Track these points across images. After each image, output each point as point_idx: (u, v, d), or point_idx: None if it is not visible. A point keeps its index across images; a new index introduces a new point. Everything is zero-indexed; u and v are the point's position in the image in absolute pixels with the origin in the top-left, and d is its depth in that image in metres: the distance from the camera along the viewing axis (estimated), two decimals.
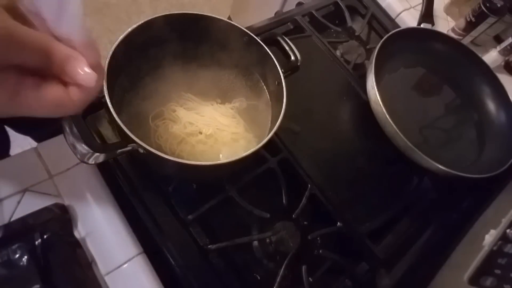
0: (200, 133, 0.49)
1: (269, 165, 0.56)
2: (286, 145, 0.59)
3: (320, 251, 0.54)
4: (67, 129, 0.40)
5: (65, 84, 0.30)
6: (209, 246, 0.48)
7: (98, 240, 0.46)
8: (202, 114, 0.50)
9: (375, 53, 0.65)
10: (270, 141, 0.43)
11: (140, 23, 0.45)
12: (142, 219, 0.47)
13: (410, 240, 0.61)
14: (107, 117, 0.52)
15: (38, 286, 0.39)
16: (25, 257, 0.40)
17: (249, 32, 0.50)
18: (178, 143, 0.48)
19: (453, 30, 0.92)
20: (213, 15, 0.49)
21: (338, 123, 0.69)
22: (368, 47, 0.79)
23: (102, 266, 0.45)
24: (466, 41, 0.90)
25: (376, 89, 0.61)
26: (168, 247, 0.46)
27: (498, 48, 0.86)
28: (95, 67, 0.30)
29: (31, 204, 0.45)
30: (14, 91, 0.28)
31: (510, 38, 0.84)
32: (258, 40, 0.50)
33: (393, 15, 0.90)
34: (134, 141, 0.38)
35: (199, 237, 0.49)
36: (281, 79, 0.48)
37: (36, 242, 0.42)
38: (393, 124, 0.58)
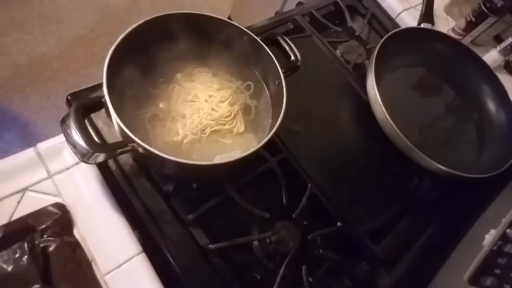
0: (202, 132, 0.49)
1: (269, 165, 0.56)
2: (286, 145, 0.59)
3: (320, 251, 0.54)
4: (67, 129, 0.40)
5: None
6: (209, 246, 0.48)
7: (98, 240, 0.46)
8: (202, 110, 0.50)
9: (375, 53, 0.64)
10: (270, 141, 0.43)
11: (140, 23, 0.45)
12: (142, 219, 0.47)
13: (410, 240, 0.61)
14: (107, 116, 0.51)
15: (38, 286, 0.39)
16: (25, 257, 0.40)
17: (249, 32, 0.50)
18: (178, 142, 0.48)
19: (453, 30, 0.92)
20: (213, 15, 0.49)
21: (338, 123, 0.69)
22: (368, 47, 0.79)
23: (102, 266, 0.45)
24: (466, 41, 0.90)
25: (376, 89, 0.61)
26: (168, 247, 0.46)
27: (498, 48, 0.86)
28: None
29: (31, 204, 0.45)
30: None
31: (510, 38, 0.84)
32: (258, 40, 0.50)
33: (393, 15, 0.90)
34: (134, 141, 0.38)
35: (199, 237, 0.49)
36: (281, 79, 0.48)
37: (36, 242, 0.42)
38: (393, 124, 0.58)
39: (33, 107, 1.40)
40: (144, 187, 0.49)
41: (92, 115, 0.50)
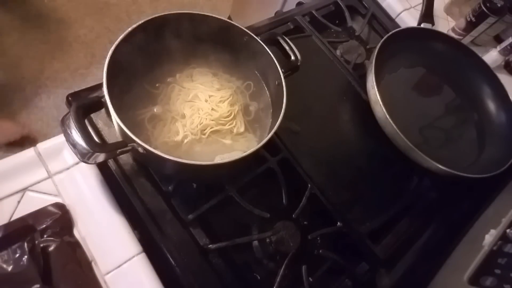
0: (202, 132, 0.49)
1: (269, 165, 0.56)
2: (286, 145, 0.59)
3: (320, 251, 0.54)
4: (67, 129, 0.40)
5: None
6: (209, 246, 0.48)
7: (98, 240, 0.46)
8: (202, 110, 0.50)
9: (375, 53, 0.64)
10: (270, 141, 0.43)
11: (140, 22, 0.45)
12: (142, 219, 0.47)
13: (410, 240, 0.61)
14: (107, 116, 0.51)
15: (38, 286, 0.39)
16: (25, 257, 0.40)
17: (249, 32, 0.50)
18: (178, 142, 0.48)
19: (453, 30, 0.92)
20: (213, 15, 0.49)
21: (338, 123, 0.69)
22: (368, 47, 0.79)
23: (102, 266, 0.45)
24: (466, 41, 0.90)
25: (376, 89, 0.61)
26: (168, 247, 0.46)
27: (498, 48, 0.86)
28: None
29: (31, 204, 0.45)
30: None
31: (510, 38, 0.84)
32: (258, 40, 0.50)
33: (393, 15, 0.90)
34: (134, 141, 0.38)
35: (199, 237, 0.49)
36: (281, 79, 0.48)
37: (36, 242, 0.42)
38: (393, 124, 0.58)
39: (33, 107, 1.40)
40: (144, 187, 0.49)
41: (92, 115, 0.51)
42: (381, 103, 0.60)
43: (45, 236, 0.43)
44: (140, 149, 0.39)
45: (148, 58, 0.49)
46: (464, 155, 0.70)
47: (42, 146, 0.49)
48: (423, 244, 0.61)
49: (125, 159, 0.50)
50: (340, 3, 0.81)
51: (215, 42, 0.53)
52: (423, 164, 0.60)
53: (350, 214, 0.58)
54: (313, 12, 0.77)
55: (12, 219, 0.44)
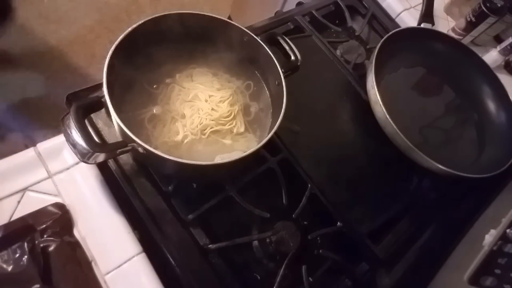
0: (202, 132, 0.49)
1: (269, 165, 0.56)
2: (286, 145, 0.59)
3: (320, 251, 0.54)
4: (67, 129, 0.40)
5: None
6: (209, 246, 0.48)
7: (98, 240, 0.46)
8: (202, 110, 0.50)
9: (375, 53, 0.64)
10: (270, 141, 0.43)
11: (140, 22, 0.45)
12: (142, 219, 0.47)
13: (410, 240, 0.61)
14: (107, 116, 0.51)
15: (38, 286, 0.39)
16: (25, 257, 0.40)
17: (249, 32, 0.50)
18: (178, 142, 0.48)
19: (453, 30, 0.92)
20: (213, 15, 0.49)
21: (338, 123, 0.69)
22: (368, 47, 0.79)
23: (102, 266, 0.45)
24: (466, 41, 0.90)
25: (376, 89, 0.61)
26: (168, 247, 0.46)
27: (498, 48, 0.86)
28: None
29: (31, 204, 0.45)
30: None
31: (510, 38, 0.84)
32: (258, 40, 0.50)
33: (393, 15, 0.90)
34: (134, 141, 0.38)
35: (199, 237, 0.49)
36: (281, 79, 0.48)
37: (36, 242, 0.42)
38: (393, 124, 0.58)
39: (33, 107, 1.40)
40: (144, 187, 0.49)
41: (92, 115, 0.51)
42: (381, 103, 0.60)
43: (45, 236, 0.43)
44: (140, 149, 0.39)
45: (148, 58, 0.49)
46: (464, 155, 0.70)
47: (42, 146, 0.49)
48: (423, 244, 0.61)
49: (125, 159, 0.50)
50: (340, 3, 0.81)
51: (215, 42, 0.53)
52: (423, 164, 0.60)
53: (350, 214, 0.58)
54: (313, 12, 0.77)
55: (12, 219, 0.44)
